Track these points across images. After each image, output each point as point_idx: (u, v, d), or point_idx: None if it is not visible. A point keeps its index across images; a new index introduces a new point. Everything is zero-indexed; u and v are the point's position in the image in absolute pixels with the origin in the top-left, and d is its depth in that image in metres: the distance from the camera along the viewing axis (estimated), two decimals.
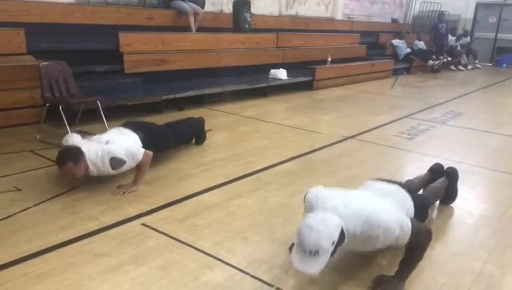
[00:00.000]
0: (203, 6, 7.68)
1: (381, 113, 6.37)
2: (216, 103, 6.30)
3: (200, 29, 7.33)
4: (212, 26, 7.82)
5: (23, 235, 2.46)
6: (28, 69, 4.60)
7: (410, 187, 2.58)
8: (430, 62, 12.01)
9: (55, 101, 4.13)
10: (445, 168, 3.24)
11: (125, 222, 2.67)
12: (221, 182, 3.40)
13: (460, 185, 3.59)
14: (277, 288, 2.12)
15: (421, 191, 2.96)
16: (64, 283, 2.06)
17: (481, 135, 5.42)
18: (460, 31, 14.36)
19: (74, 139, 3.10)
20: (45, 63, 4.22)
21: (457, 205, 3.21)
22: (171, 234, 2.56)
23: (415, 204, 2.42)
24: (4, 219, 2.66)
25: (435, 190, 2.99)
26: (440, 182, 3.08)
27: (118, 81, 5.59)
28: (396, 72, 10.81)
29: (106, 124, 4.34)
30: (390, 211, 2.13)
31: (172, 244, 2.46)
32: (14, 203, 2.85)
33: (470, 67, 13.60)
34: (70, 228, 2.56)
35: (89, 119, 4.66)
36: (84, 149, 2.95)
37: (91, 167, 2.98)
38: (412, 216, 2.34)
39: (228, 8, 8.54)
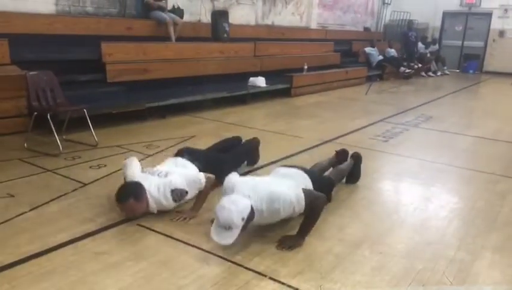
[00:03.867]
0: (181, 17, 7.85)
1: (357, 117, 6.65)
2: (198, 110, 6.44)
3: (179, 39, 7.48)
4: (191, 35, 7.98)
5: (23, 238, 2.55)
6: (13, 79, 4.66)
7: (308, 170, 3.11)
8: (402, 69, 12.48)
9: (43, 110, 4.20)
10: (350, 153, 3.75)
11: (121, 223, 2.79)
12: None
13: (433, 181, 3.89)
14: (270, 277, 2.28)
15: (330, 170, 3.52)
16: (69, 279, 2.17)
17: (451, 137, 5.74)
18: (429, 39, 14.96)
19: (134, 166, 3.04)
20: (32, 72, 4.29)
21: (431, 200, 3.47)
22: (166, 233, 2.69)
23: (313, 182, 2.92)
24: (1, 223, 2.73)
25: (340, 171, 3.50)
26: (346, 164, 3.61)
27: (101, 90, 5.69)
28: (369, 79, 11.20)
29: (93, 132, 4.43)
30: (286, 187, 2.61)
31: (168, 242, 2.60)
32: (9, 209, 2.92)
33: (439, 73, 14.17)
34: (68, 230, 2.66)
35: (75, 128, 4.72)
36: (145, 184, 2.84)
37: (151, 204, 2.84)
38: None
39: (206, 18, 8.73)
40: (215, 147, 3.88)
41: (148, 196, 2.82)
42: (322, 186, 2.97)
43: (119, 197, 2.80)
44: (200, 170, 3.18)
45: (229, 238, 2.34)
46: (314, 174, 3.12)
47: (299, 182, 2.83)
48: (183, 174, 2.99)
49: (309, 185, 2.90)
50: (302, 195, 2.61)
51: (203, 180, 2.96)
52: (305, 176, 2.96)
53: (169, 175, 2.95)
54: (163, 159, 3.45)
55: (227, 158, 3.67)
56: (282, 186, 2.64)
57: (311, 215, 2.64)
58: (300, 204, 2.58)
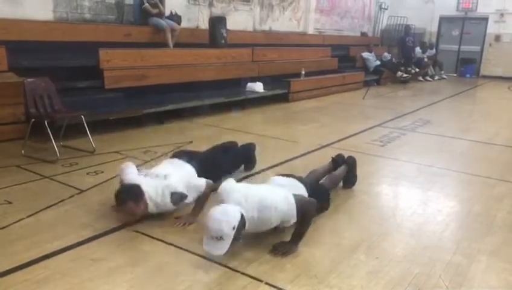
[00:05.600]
0: (179, 23, 7.87)
1: (354, 122, 6.67)
2: (196, 115, 6.46)
3: (177, 45, 7.50)
4: (189, 42, 8.01)
5: (20, 244, 2.55)
6: (11, 86, 4.66)
7: (303, 179, 3.12)
8: (399, 73, 12.51)
9: (40, 117, 4.20)
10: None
11: (118, 229, 2.80)
12: None
13: (430, 186, 3.90)
14: (266, 283, 2.28)
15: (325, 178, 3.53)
16: (65, 286, 2.17)
17: (448, 141, 5.76)
18: (426, 44, 15.00)
19: (130, 171, 3.03)
20: (30, 79, 4.30)
21: (428, 204, 3.48)
22: (163, 239, 2.70)
23: (308, 191, 2.93)
24: None
25: (334, 178, 3.55)
26: (340, 170, 3.63)
27: (98, 97, 5.68)
28: (367, 84, 11.23)
29: (91, 138, 4.44)
30: (277, 194, 2.63)
31: (165, 248, 2.60)
32: (7, 216, 2.92)
33: (436, 78, 14.20)
34: (65, 236, 2.66)
35: (72, 134, 4.73)
36: (143, 187, 2.85)
37: (150, 205, 2.86)
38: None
39: (204, 24, 8.76)
40: (211, 151, 3.89)
41: (147, 198, 2.83)
42: (317, 196, 2.96)
43: (118, 201, 2.81)
44: (196, 171, 3.19)
45: (221, 249, 2.33)
46: (309, 183, 3.12)
47: (293, 190, 2.81)
48: (183, 177, 3.01)
49: (304, 194, 2.89)
50: (293, 201, 2.61)
51: (204, 186, 2.97)
52: (300, 185, 2.97)
53: (168, 177, 2.96)
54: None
55: (223, 161, 3.68)
56: (274, 194, 2.64)
57: (302, 221, 2.64)
58: (291, 210, 2.58)
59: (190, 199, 2.99)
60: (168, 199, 2.87)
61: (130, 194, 2.79)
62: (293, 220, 2.65)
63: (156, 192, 2.86)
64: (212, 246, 2.34)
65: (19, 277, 2.24)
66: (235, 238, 2.37)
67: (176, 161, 3.29)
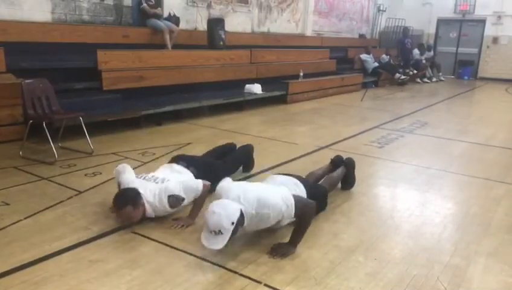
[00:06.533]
0: (177, 24, 7.88)
1: (352, 124, 6.68)
2: (194, 117, 6.46)
3: (175, 46, 7.52)
4: (187, 43, 8.02)
5: (18, 246, 2.55)
6: (9, 88, 4.66)
7: (303, 178, 3.14)
8: (397, 75, 12.54)
9: (38, 118, 4.20)
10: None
11: (116, 231, 2.79)
12: None
13: (428, 187, 3.91)
14: (265, 284, 2.28)
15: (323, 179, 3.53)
16: (63, 288, 2.17)
17: (446, 142, 5.77)
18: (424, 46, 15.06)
19: (127, 173, 3.03)
20: (28, 81, 4.29)
21: (426, 205, 3.48)
22: (161, 240, 2.70)
23: (306, 190, 2.96)
24: None
25: (332, 179, 3.53)
26: (338, 171, 3.64)
27: (97, 98, 5.68)
28: (365, 86, 11.25)
29: (89, 139, 4.44)
30: (276, 193, 2.63)
31: (163, 249, 2.60)
32: (4, 217, 2.92)
33: (434, 79, 14.24)
34: (63, 238, 2.66)
35: (70, 136, 4.73)
36: (141, 190, 2.85)
37: (148, 210, 2.85)
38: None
39: (202, 26, 8.77)
40: (210, 154, 3.88)
41: (145, 202, 2.84)
42: (315, 195, 2.99)
43: (117, 205, 2.80)
44: (195, 176, 3.20)
45: (219, 243, 2.32)
46: (308, 181, 3.13)
47: (291, 188, 2.84)
48: (180, 180, 3.01)
49: (302, 192, 2.91)
50: (293, 201, 2.62)
51: (201, 187, 2.96)
52: (298, 183, 2.98)
53: (165, 181, 2.97)
54: (158, 166, 3.45)
55: (221, 164, 3.68)
56: (272, 192, 2.65)
57: (301, 223, 2.64)
58: (289, 210, 2.59)
59: (187, 201, 2.98)
60: (165, 202, 2.87)
61: (129, 198, 2.78)
62: (290, 219, 2.66)
63: (154, 196, 2.86)
64: (210, 240, 2.33)
65: (17, 278, 2.23)
66: (233, 234, 2.37)
67: (175, 165, 3.29)
